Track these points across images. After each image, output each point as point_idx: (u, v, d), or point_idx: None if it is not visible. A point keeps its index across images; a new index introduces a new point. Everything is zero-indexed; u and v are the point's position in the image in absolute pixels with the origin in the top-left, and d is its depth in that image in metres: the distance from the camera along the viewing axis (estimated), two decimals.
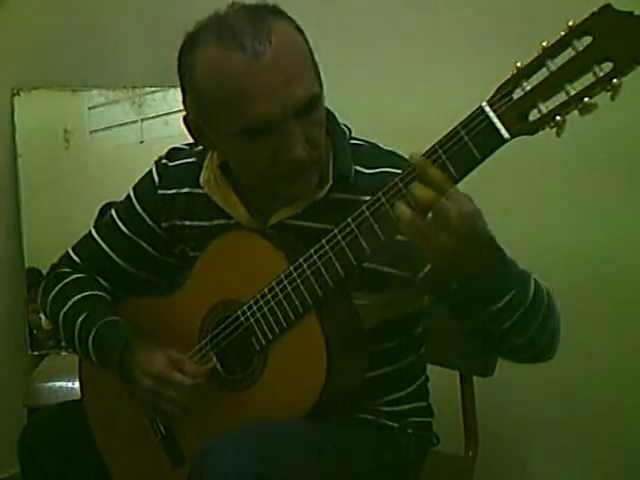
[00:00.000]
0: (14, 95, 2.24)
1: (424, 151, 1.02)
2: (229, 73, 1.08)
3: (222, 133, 1.16)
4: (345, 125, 1.26)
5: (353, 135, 1.27)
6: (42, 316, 2.22)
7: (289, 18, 1.15)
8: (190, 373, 1.22)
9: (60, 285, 1.40)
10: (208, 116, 1.16)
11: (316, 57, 1.16)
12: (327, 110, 1.25)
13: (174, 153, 1.36)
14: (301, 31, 1.15)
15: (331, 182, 1.20)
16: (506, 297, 1.08)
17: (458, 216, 0.99)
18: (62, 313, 1.37)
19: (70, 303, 1.36)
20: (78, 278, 1.40)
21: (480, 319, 1.12)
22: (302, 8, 1.25)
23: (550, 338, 1.16)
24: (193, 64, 1.13)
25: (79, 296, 1.36)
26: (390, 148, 1.26)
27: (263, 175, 1.16)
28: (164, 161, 1.35)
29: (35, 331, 2.23)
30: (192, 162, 1.32)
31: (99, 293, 1.38)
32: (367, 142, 1.27)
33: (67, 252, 1.45)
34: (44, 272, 1.50)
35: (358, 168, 1.21)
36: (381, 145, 1.27)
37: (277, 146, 1.12)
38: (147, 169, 1.38)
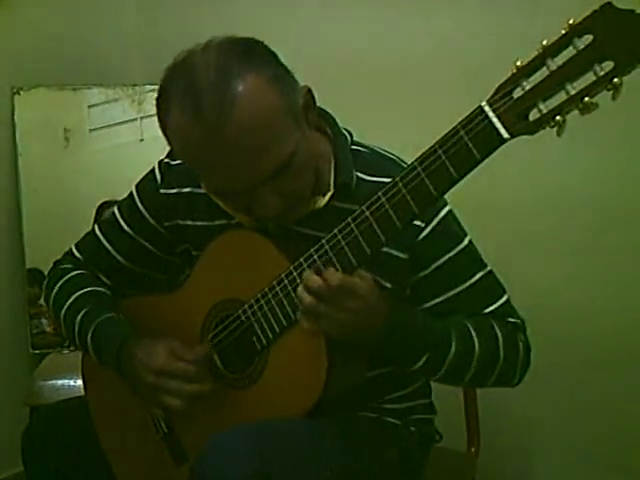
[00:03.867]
0: (14, 94, 2.23)
1: (423, 151, 1.01)
2: (192, 147, 1.08)
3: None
4: (346, 129, 1.26)
5: (354, 139, 1.25)
6: (44, 320, 2.22)
7: (266, 63, 1.08)
8: (191, 359, 1.22)
9: (62, 281, 1.40)
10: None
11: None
12: (328, 115, 1.25)
13: None
14: (278, 80, 1.07)
15: (332, 191, 1.19)
16: (419, 362, 1.14)
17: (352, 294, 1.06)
18: (64, 310, 1.37)
19: (71, 299, 1.36)
20: (80, 274, 1.40)
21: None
22: None
23: (502, 374, 1.20)
24: (165, 124, 1.11)
25: (80, 292, 1.36)
26: (391, 154, 1.25)
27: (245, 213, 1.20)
28: (167, 160, 1.35)
29: (35, 330, 2.23)
30: None
31: (100, 289, 1.38)
32: (368, 147, 1.26)
33: (70, 249, 1.45)
34: (45, 271, 1.50)
35: (360, 175, 1.21)
36: (381, 150, 1.26)
37: (248, 203, 1.13)
38: (148, 167, 1.37)
